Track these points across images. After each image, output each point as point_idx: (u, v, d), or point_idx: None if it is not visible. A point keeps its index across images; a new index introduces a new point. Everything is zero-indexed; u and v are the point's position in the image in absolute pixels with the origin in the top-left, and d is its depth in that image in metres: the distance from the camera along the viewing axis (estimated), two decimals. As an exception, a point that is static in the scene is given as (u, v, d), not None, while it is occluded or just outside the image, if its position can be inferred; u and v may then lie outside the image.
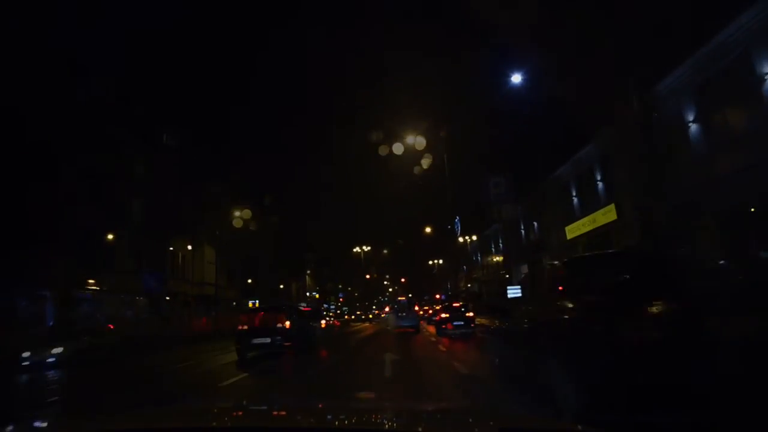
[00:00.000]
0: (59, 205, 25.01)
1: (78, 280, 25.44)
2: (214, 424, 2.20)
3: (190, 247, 42.10)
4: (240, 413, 2.61)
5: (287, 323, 13.87)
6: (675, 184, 15.89)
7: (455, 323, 19.43)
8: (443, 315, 20.69)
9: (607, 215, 21.15)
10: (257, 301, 57.84)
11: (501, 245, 42.49)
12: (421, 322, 28.93)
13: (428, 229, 59.82)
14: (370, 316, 64.65)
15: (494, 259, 45.95)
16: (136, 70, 43.82)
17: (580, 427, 2.17)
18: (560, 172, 26.32)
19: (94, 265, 27.80)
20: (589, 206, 23.35)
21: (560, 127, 24.80)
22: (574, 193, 25.39)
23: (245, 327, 13.96)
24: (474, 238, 51.41)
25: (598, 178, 22.28)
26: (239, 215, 44.05)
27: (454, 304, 22.10)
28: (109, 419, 2.32)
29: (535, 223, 31.96)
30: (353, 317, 63.97)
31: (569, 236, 25.57)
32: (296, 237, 70.16)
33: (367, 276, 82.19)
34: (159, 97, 46.20)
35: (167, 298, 35.36)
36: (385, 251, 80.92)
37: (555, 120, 24.86)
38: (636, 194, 17.72)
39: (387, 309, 32.77)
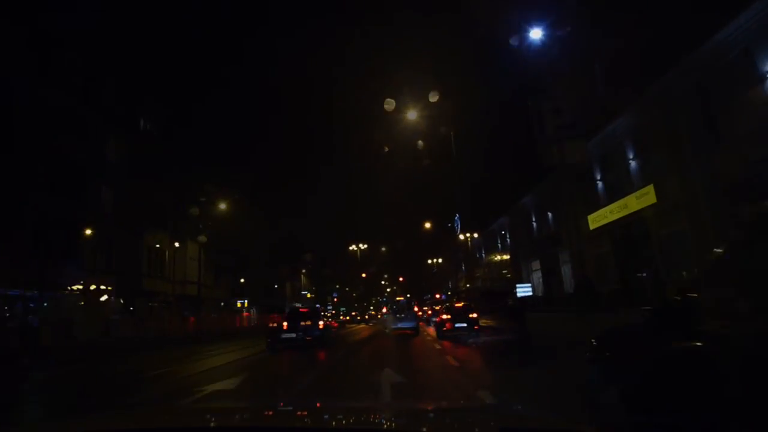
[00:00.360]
0: (7, 190, 21.82)
1: (28, 276, 22.13)
2: (213, 423, 2.16)
3: (177, 244, 38.94)
4: (237, 413, 2.58)
5: (309, 322, 17.18)
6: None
7: (457, 325, 17.80)
8: (444, 316, 18.92)
9: (642, 199, 17.99)
10: (246, 301, 55.02)
11: (508, 240, 39.31)
12: (420, 323, 27.43)
13: (428, 224, 56.60)
14: (366, 317, 61.34)
15: (497, 258, 42.81)
16: (114, 48, 40.63)
17: (580, 427, 2.02)
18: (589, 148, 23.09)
19: (53, 259, 24.56)
20: (619, 190, 20.22)
21: (580, 99, 21.69)
22: (598, 177, 22.24)
23: (275, 325, 17.38)
24: (475, 235, 48.84)
25: (631, 156, 19.12)
26: (225, 208, 40.78)
27: (457, 305, 20.42)
28: (104, 419, 2.31)
29: (550, 214, 28.81)
30: (348, 318, 60.78)
31: (592, 226, 22.43)
32: (291, 234, 67.12)
33: (363, 275, 78.62)
34: (138, 78, 43.02)
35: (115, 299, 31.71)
36: (384, 249, 77.62)
37: (575, 90, 21.76)
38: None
39: (384, 310, 30.30)
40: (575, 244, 24.56)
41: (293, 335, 16.39)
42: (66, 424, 2.06)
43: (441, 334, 18.36)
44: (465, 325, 17.53)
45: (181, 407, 4.58)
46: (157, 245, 35.05)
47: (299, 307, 22.30)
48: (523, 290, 33.37)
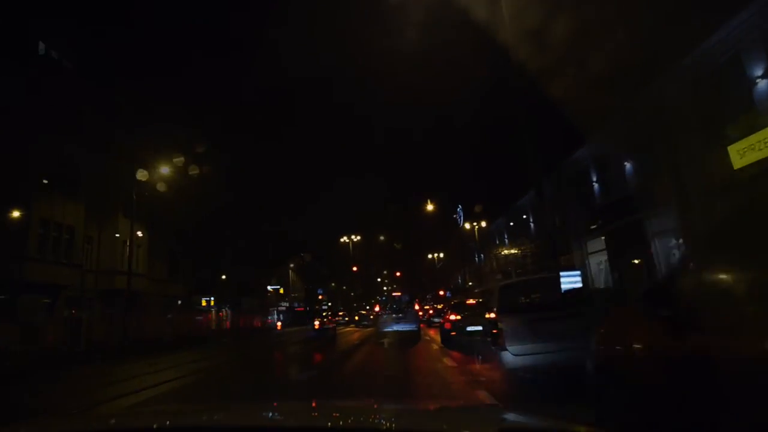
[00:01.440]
0: None
1: None
2: (210, 421, 2.10)
3: (129, 226, 29.08)
4: (235, 411, 2.47)
5: (334, 319, 32.31)
6: None
7: (469, 328, 15.22)
8: (453, 317, 16.82)
9: None
10: (212, 299, 45.58)
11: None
12: (421, 325, 24.76)
13: (429, 207, 47.93)
14: (356, 317, 52.06)
15: (522, 247, 33.14)
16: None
17: (581, 427, 1.98)
18: (710, 44, 13.50)
19: None
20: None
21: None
22: (759, 73, 12.53)
23: (318, 322, 29.87)
24: (483, 224, 40.75)
25: None
26: (174, 177, 30.74)
27: (468, 302, 18.32)
28: (96, 419, 2.38)
29: (628, 164, 19.07)
30: (336, 318, 52.16)
31: (739, 164, 12.76)
32: (273, 220, 57.55)
33: (354, 268, 69.07)
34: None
35: None
36: (382, 238, 68.22)
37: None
38: None
39: (377, 309, 24.00)
40: (696, 200, 14.86)
41: (328, 327, 29.93)
42: (47, 424, 2.06)
43: (447, 341, 16.41)
44: (479, 329, 14.84)
45: (173, 407, 4.31)
46: (61, 219, 25.12)
47: (297, 307, 22.21)
48: (570, 281, 23.72)
